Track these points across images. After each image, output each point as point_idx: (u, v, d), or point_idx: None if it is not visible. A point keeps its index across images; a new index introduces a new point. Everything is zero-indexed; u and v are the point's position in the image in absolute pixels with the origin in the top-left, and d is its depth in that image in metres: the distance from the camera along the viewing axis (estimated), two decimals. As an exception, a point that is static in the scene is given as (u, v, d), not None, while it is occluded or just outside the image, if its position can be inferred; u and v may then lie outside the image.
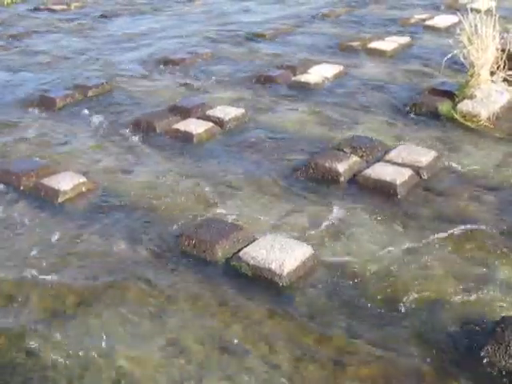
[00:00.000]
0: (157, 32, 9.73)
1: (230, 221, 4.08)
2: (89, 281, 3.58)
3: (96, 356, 3.01)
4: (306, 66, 7.36)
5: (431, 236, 3.88)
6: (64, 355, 3.02)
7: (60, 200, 4.47)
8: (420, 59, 7.66)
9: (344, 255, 3.73)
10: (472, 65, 5.92)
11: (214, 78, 7.26)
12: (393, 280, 3.48)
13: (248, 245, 3.74)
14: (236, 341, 3.09)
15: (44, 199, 4.51)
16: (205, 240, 3.78)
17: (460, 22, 6.04)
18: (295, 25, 9.83)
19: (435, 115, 5.79)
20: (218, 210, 4.28)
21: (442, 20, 9.50)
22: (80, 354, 3.03)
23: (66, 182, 4.59)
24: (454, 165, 4.84)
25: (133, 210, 4.33)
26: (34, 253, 3.86)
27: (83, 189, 4.61)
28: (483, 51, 5.84)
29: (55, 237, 4.03)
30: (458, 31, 6.08)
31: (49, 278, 3.61)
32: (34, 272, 3.65)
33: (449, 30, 8.60)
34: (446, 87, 6.27)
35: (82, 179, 4.68)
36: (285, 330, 3.15)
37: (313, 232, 3.98)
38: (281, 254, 3.59)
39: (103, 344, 3.08)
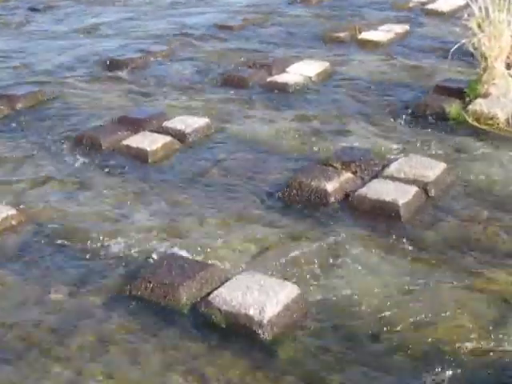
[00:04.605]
0: (100, 27, 9.75)
1: (196, 257, 4.05)
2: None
3: None
4: (283, 63, 7.40)
5: (443, 270, 3.87)
6: None
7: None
8: (421, 51, 7.75)
9: (337, 296, 3.70)
10: (484, 56, 5.98)
11: (171, 81, 7.27)
12: (393, 324, 3.46)
13: (219, 286, 3.71)
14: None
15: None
16: (166, 282, 3.74)
17: (467, 4, 6.11)
18: (268, 13, 9.90)
19: (443, 118, 5.83)
20: (182, 245, 4.24)
21: (446, 3, 9.64)
22: None
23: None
24: (468, 179, 4.87)
25: (73, 247, 4.28)
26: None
27: (13, 222, 4.55)
28: (496, 39, 5.91)
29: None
30: (465, 16, 6.15)
31: None
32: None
33: (455, 15, 8.70)
34: (454, 84, 6.33)
35: (11, 211, 4.62)
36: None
37: (298, 267, 3.96)
38: (260, 296, 3.55)
39: None
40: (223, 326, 3.51)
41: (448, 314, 3.50)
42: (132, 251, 4.22)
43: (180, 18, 10.04)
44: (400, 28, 8.58)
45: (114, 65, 7.81)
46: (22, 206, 4.77)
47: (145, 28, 9.52)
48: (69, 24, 10.04)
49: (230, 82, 7.05)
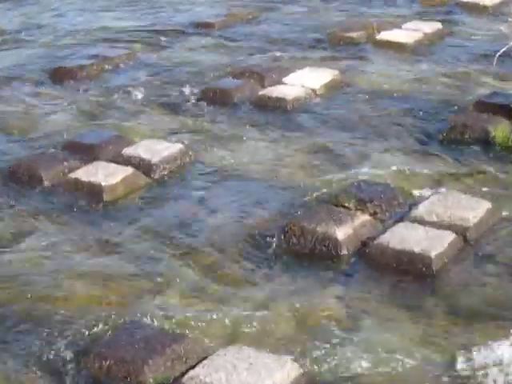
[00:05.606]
0: (44, 25, 9.79)
1: (165, 325, 4.05)
2: None
3: None
4: (279, 72, 7.45)
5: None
6: None
7: None
8: (458, 56, 7.81)
9: (350, 376, 3.69)
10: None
11: (131, 95, 7.29)
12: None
13: (197, 364, 3.70)
14: None
15: None
16: (126, 359, 3.73)
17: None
18: (260, 8, 9.97)
19: (486, 144, 5.86)
20: (147, 311, 4.23)
21: (490, -6, 9.74)
22: None
23: None
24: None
25: (8, 314, 4.27)
26: None
27: None
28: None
29: None
30: (514, 12, 6.24)
31: None
32: None
33: (500, 11, 8.79)
34: (501, 99, 6.37)
35: None
36: None
37: (300, 339, 3.95)
38: (250, 376, 3.54)
39: None
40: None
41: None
42: (81, 319, 4.20)
43: (148, 13, 10.11)
44: (430, 27, 8.64)
45: (60, 74, 7.86)
46: None
47: (101, 26, 9.56)
48: (2, 20, 10.09)
49: (210, 96, 7.08)
